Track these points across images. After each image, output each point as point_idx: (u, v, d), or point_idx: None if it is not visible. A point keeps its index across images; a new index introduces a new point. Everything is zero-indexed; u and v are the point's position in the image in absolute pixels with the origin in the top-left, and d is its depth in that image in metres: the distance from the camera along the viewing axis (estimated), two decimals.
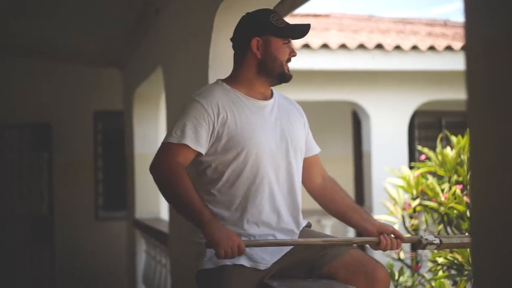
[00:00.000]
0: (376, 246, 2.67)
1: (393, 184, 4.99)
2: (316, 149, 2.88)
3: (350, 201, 2.82)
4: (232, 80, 2.69)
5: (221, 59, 3.43)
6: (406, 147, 8.73)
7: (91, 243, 8.97)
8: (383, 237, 2.65)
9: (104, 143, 9.34)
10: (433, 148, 5.20)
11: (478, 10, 1.15)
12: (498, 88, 1.10)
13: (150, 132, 7.09)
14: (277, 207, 2.60)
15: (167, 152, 2.50)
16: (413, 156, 9.46)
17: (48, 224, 8.94)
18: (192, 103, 2.57)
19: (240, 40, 2.69)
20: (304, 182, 2.82)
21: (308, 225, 2.80)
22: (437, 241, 2.73)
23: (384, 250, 2.67)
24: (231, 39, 2.74)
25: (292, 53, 2.66)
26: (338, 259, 2.61)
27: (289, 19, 2.86)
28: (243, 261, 2.50)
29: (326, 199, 2.83)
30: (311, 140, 2.86)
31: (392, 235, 2.69)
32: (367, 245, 2.81)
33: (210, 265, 2.52)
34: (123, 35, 6.61)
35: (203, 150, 2.53)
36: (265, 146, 2.57)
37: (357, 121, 9.46)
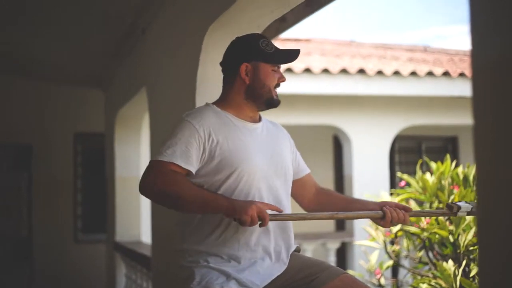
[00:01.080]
0: (382, 220, 2.65)
1: None
2: (306, 169, 2.91)
3: (346, 196, 2.89)
4: (221, 102, 2.69)
5: (209, 81, 3.40)
6: (388, 171, 8.76)
7: (70, 266, 8.88)
8: (386, 209, 2.63)
9: (84, 165, 9.28)
10: (413, 172, 5.21)
11: (484, 32, 1.14)
12: (505, 111, 1.09)
13: (131, 154, 7.03)
14: (268, 228, 2.59)
15: (157, 168, 2.48)
16: (393, 180, 9.50)
17: (27, 245, 8.83)
18: (183, 123, 2.56)
19: (229, 65, 2.69)
20: (300, 201, 2.87)
21: (297, 250, 2.78)
22: (468, 207, 2.68)
23: (392, 223, 2.64)
24: (221, 63, 2.74)
25: (281, 79, 2.67)
26: (328, 284, 2.57)
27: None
28: (232, 285, 2.46)
29: (322, 203, 2.85)
30: (301, 161, 2.89)
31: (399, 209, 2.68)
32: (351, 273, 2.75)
33: None
34: (107, 54, 6.56)
35: (193, 169, 2.51)
36: (257, 166, 2.56)
37: (338, 145, 9.49)
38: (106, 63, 6.95)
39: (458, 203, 2.67)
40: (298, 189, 2.85)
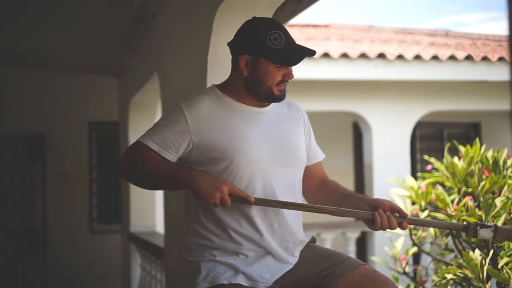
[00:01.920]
0: (371, 224, 2.40)
1: (400, 195, 4.81)
2: (319, 156, 2.68)
3: (343, 189, 2.60)
4: (225, 86, 2.51)
5: (220, 63, 3.25)
6: (409, 158, 8.59)
7: (85, 257, 8.80)
8: (377, 214, 2.37)
9: (99, 154, 9.18)
10: (438, 159, 5.04)
11: None
12: None
13: None
14: (273, 222, 2.41)
15: (135, 146, 2.39)
16: (414, 168, 9.31)
17: (41, 237, 8.75)
18: (175, 108, 2.43)
19: (232, 50, 2.49)
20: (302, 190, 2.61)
21: (313, 240, 2.61)
22: (492, 226, 2.36)
23: (381, 229, 2.38)
24: (229, 43, 2.54)
25: (288, 76, 2.41)
26: (346, 277, 2.39)
27: (289, 29, 2.61)
28: (241, 280, 2.31)
29: (319, 197, 2.63)
30: (314, 147, 2.66)
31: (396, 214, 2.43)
32: (375, 260, 2.53)
33: (206, 284, 2.33)
34: (119, 41, 6.44)
35: (170, 157, 2.37)
36: (256, 156, 2.37)
37: (358, 133, 9.31)
38: (118, 50, 6.85)
39: (481, 228, 2.37)
40: (303, 177, 2.58)
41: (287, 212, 2.42)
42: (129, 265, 6.95)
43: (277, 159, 2.42)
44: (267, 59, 2.37)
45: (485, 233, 2.39)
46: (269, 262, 2.39)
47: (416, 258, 7.39)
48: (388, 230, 2.43)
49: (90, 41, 6.72)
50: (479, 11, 51.88)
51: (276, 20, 2.54)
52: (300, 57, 2.38)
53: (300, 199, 2.52)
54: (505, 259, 3.38)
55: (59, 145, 8.88)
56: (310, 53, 2.39)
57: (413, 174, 8.68)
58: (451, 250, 4.56)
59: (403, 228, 2.42)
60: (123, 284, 7.67)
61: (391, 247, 4.93)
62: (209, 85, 3.21)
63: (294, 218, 2.47)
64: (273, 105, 2.52)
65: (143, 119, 6.91)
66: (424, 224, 2.92)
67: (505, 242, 3.46)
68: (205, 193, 2.25)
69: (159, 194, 6.75)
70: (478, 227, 2.39)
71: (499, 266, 3.46)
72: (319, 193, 2.64)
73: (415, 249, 4.75)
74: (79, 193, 8.97)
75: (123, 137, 7.51)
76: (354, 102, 8.45)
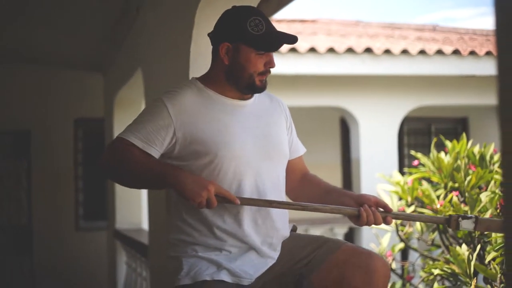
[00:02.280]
0: (357, 220, 2.35)
1: (386, 190, 4.78)
2: (301, 150, 2.65)
3: (326, 184, 2.56)
4: (206, 78, 2.46)
5: (203, 57, 3.18)
6: (396, 153, 8.58)
7: (71, 254, 8.73)
8: (363, 210, 2.33)
9: (85, 151, 9.10)
10: (425, 154, 5.03)
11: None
12: None
13: None
14: (257, 218, 2.36)
15: (118, 143, 2.32)
16: (402, 163, 9.30)
17: (27, 234, 8.68)
18: (157, 102, 2.36)
19: (213, 39, 2.45)
20: None
21: (294, 229, 2.57)
22: (472, 217, 2.35)
23: (366, 224, 2.34)
24: (209, 34, 2.50)
25: (269, 64, 2.36)
26: (328, 259, 2.34)
27: (276, 25, 2.55)
28: (224, 276, 2.26)
29: (302, 192, 2.58)
30: (295, 141, 2.62)
31: (381, 209, 2.38)
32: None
33: (188, 280, 2.28)
34: (105, 36, 6.38)
35: (154, 152, 2.31)
36: (240, 150, 2.33)
37: (345, 128, 9.29)
38: (104, 45, 6.78)
39: (462, 219, 2.36)
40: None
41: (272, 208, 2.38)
42: (115, 262, 6.89)
43: (260, 153, 2.37)
44: (248, 45, 2.32)
45: (467, 225, 2.36)
46: (252, 257, 2.35)
47: (403, 254, 7.38)
48: (373, 225, 2.40)
49: (76, 37, 6.66)
50: (468, 6, 52.05)
51: (256, 7, 2.51)
52: (280, 42, 2.35)
53: (284, 194, 2.48)
54: (493, 254, 3.35)
55: (45, 142, 8.80)
56: (291, 38, 2.35)
57: (401, 169, 8.66)
58: (438, 246, 4.54)
59: (387, 223, 2.38)
60: (109, 281, 7.61)
61: (377, 243, 4.90)
62: None
63: (280, 215, 2.42)
64: (255, 98, 2.47)
65: (127, 116, 6.82)
66: (408, 218, 2.89)
67: (492, 236, 3.44)
68: (191, 192, 2.18)
69: (144, 191, 6.69)
70: (460, 219, 2.36)
71: (486, 261, 3.43)
72: (302, 188, 2.59)
73: (401, 245, 4.72)
74: (65, 190, 8.89)
75: (108, 133, 7.45)
76: (341, 97, 8.42)
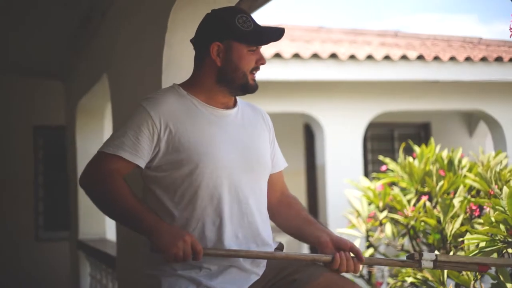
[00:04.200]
0: (330, 264, 2.28)
1: (358, 196, 4.75)
2: (282, 165, 2.57)
3: (306, 215, 2.49)
4: (190, 85, 2.36)
5: (176, 63, 3.10)
6: (362, 159, 8.59)
7: (31, 265, 8.50)
8: (339, 255, 2.26)
9: (45, 159, 8.91)
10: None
11: None
12: None
13: (94, 147, 6.58)
14: (238, 233, 2.27)
15: (100, 161, 2.23)
16: (366, 169, 9.32)
17: None
18: (138, 109, 2.27)
19: (200, 42, 2.36)
20: None
21: (280, 247, 2.47)
22: (432, 257, 2.32)
23: (339, 271, 2.28)
24: (191, 40, 2.41)
25: (260, 61, 2.32)
26: (311, 284, 2.25)
27: None
28: None
29: (280, 215, 2.50)
30: (277, 154, 2.55)
31: (351, 254, 2.32)
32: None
33: None
34: (66, 42, 6.23)
35: (142, 163, 2.23)
36: (223, 162, 2.24)
37: (309, 134, 9.27)
38: (65, 51, 6.63)
39: (422, 252, 2.34)
40: None
41: (255, 220, 2.31)
42: (78, 274, 6.73)
43: (243, 165, 2.30)
44: (240, 42, 2.28)
45: (429, 257, 2.33)
46: (233, 274, 2.26)
47: None
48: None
49: (36, 43, 6.49)
50: (423, 12, 52.85)
51: (238, 6, 2.48)
52: (274, 35, 2.31)
53: (265, 207, 2.40)
54: None
55: (3, 150, 8.59)
56: (280, 31, 2.32)
57: (365, 175, 8.68)
58: (407, 251, 4.52)
59: (355, 271, 2.32)
60: None
61: None
62: (165, 85, 3.08)
63: (263, 228, 2.35)
64: (238, 108, 2.41)
65: (90, 123, 6.72)
66: (379, 263, 2.80)
67: (465, 243, 3.41)
68: (166, 242, 2.09)
69: None
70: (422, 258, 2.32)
71: None
72: (281, 210, 2.51)
73: (371, 251, 4.69)
74: (24, 199, 8.68)
75: (69, 142, 7.29)
76: (306, 103, 8.41)
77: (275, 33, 2.32)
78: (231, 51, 2.28)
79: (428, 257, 2.32)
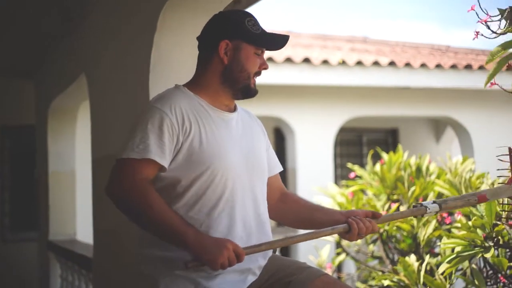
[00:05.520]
0: (348, 234, 2.32)
1: (328, 203, 4.77)
2: (278, 168, 2.60)
3: (312, 203, 2.56)
4: (194, 85, 2.36)
5: (164, 63, 3.09)
6: (332, 163, 8.64)
7: None
8: (351, 220, 2.30)
9: (13, 160, 8.76)
10: (356, 164, 5.13)
11: None
12: None
13: (66, 148, 6.61)
14: (241, 234, 2.28)
15: (128, 169, 2.16)
16: (335, 173, 9.37)
17: None
18: (153, 111, 2.22)
19: (207, 40, 2.36)
20: None
21: (273, 250, 2.48)
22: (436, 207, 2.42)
23: (359, 235, 2.31)
24: (198, 38, 2.41)
25: (263, 66, 2.35)
26: (307, 286, 2.27)
27: None
28: None
29: (287, 211, 2.54)
30: (274, 158, 2.58)
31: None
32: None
33: None
34: (38, 42, 6.12)
35: (167, 164, 2.20)
36: (231, 165, 2.26)
37: (280, 138, 9.28)
38: (35, 51, 6.50)
39: (426, 204, 2.41)
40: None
41: (262, 220, 2.35)
42: (48, 276, 6.62)
43: (247, 167, 2.32)
44: (249, 43, 2.30)
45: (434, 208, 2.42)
46: (232, 275, 2.25)
47: (339, 266, 7.42)
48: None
49: (6, 42, 6.38)
50: (382, 18, 53.39)
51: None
52: (280, 41, 2.35)
53: (266, 208, 2.42)
54: (444, 266, 3.36)
55: None
56: (285, 38, 2.35)
57: (335, 179, 8.75)
58: (376, 257, 4.57)
59: (374, 230, 2.37)
60: None
61: (316, 255, 4.88)
62: (152, 86, 3.08)
63: (264, 229, 2.37)
64: (238, 112, 2.42)
65: (63, 124, 6.63)
66: (391, 218, 2.83)
67: (441, 248, 3.46)
68: (212, 255, 2.07)
69: (81, 200, 6.50)
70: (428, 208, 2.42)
71: (439, 273, 3.44)
72: (286, 207, 2.55)
73: (342, 257, 4.72)
74: None
75: (40, 142, 7.19)
76: (278, 106, 8.44)
77: (282, 40, 2.35)
78: (239, 50, 2.30)
79: (432, 208, 2.41)
